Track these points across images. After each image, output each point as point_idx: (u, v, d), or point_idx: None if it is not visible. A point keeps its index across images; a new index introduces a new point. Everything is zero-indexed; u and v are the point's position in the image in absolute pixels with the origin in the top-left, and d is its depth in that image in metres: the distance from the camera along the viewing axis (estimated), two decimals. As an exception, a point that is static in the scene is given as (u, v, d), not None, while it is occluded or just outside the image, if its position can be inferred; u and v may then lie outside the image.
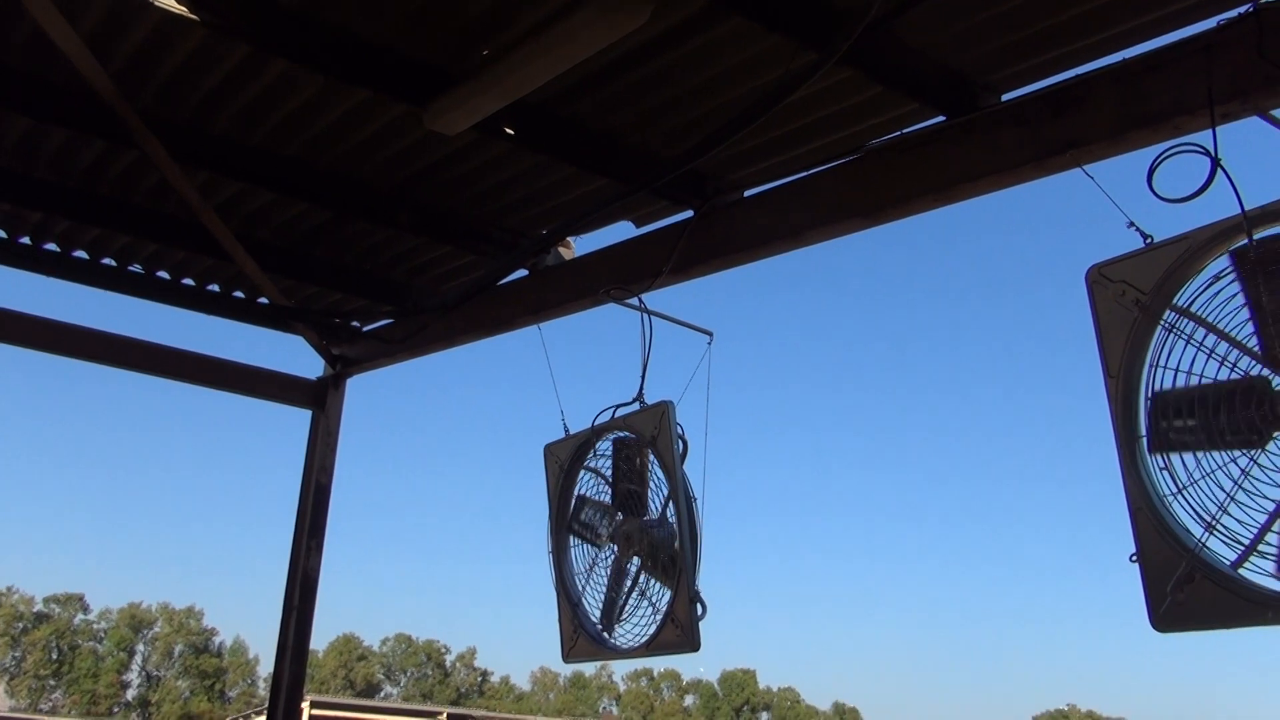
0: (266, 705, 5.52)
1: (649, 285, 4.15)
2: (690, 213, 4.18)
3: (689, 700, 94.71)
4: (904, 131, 3.48)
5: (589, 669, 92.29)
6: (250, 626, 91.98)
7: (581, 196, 4.41)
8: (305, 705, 31.71)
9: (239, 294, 5.58)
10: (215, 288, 5.52)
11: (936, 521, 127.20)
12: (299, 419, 5.84)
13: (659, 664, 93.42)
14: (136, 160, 4.36)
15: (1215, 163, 2.56)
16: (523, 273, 4.94)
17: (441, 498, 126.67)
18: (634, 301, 4.21)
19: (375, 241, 5.03)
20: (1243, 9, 2.66)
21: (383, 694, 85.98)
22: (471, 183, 4.38)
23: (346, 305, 5.71)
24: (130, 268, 5.28)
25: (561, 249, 4.99)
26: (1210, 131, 2.62)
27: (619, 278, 4.30)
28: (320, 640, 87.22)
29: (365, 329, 5.86)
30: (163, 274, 5.37)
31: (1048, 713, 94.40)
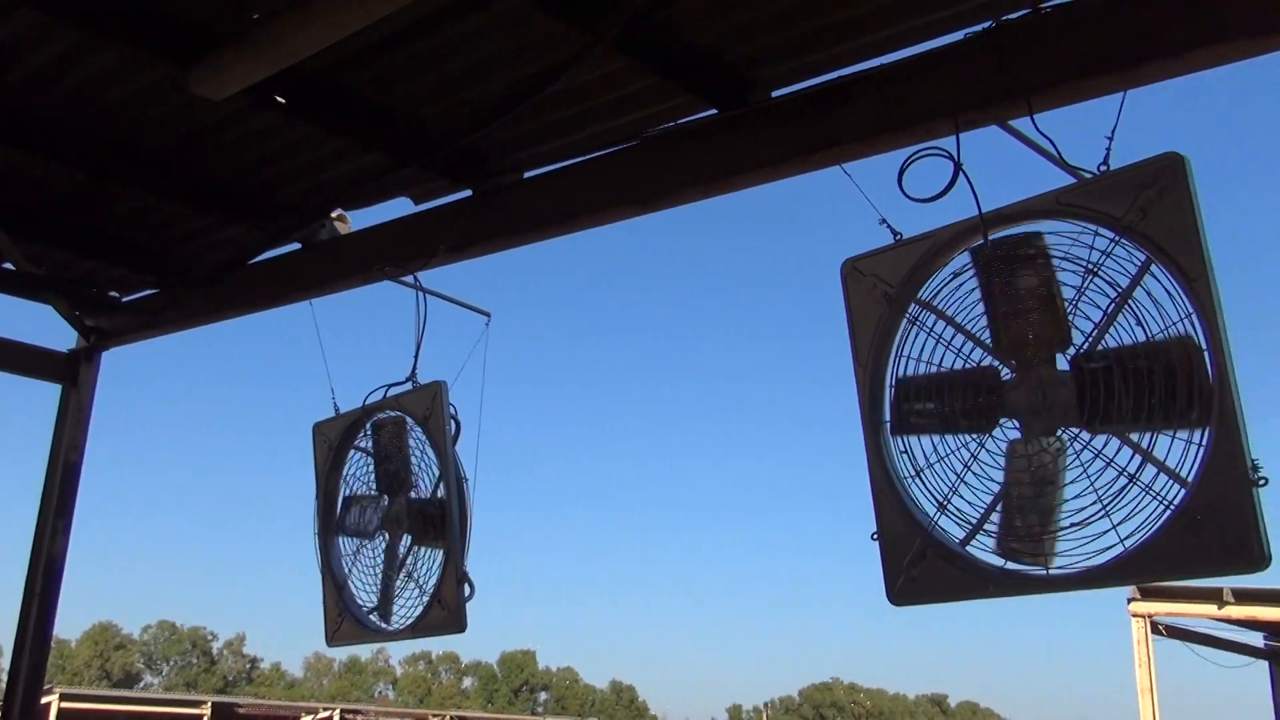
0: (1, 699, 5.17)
1: (425, 264, 4.11)
2: (469, 192, 4.16)
3: (467, 683, 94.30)
4: (677, 122, 3.57)
5: (365, 653, 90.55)
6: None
7: (356, 170, 4.30)
8: (53, 698, 29.78)
9: (-19, 259, 5.17)
10: (-47, 251, 5.10)
11: (710, 505, 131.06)
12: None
13: (437, 647, 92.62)
14: None
15: (958, 167, 2.75)
16: (295, 246, 4.78)
17: (210, 478, 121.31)
18: (409, 279, 4.15)
19: (136, 207, 4.76)
20: (985, 25, 2.85)
21: (143, 684, 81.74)
22: (240, 151, 4.21)
23: (103, 274, 5.38)
24: None
25: (338, 224, 4.86)
26: (955, 138, 2.80)
27: (395, 255, 4.24)
28: (74, 630, 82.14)
29: (125, 299, 5.54)
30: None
31: (814, 685, 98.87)
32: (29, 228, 4.78)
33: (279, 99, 3.66)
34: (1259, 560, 2.18)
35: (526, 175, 4.06)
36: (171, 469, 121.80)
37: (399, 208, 4.46)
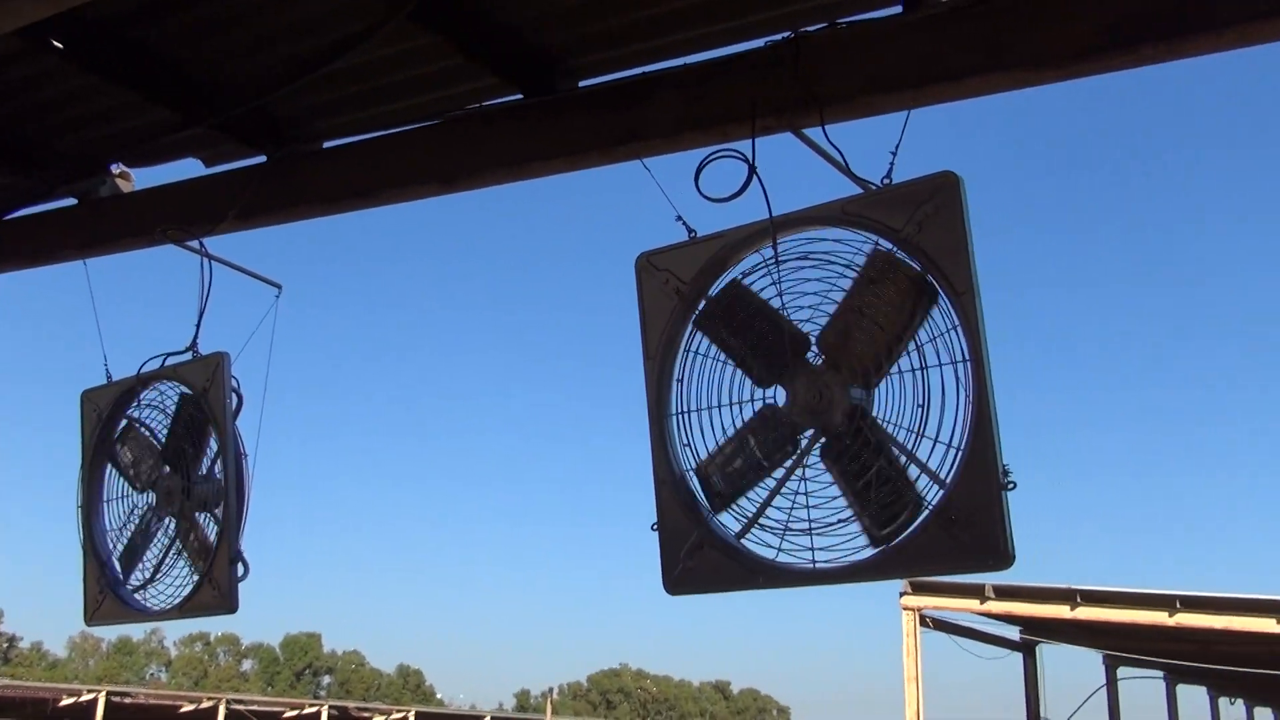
0: None
1: (212, 229, 3.93)
2: (263, 158, 4.00)
3: (247, 665, 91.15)
4: (483, 104, 3.53)
5: (136, 633, 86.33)
6: None
7: (145, 127, 4.08)
8: None
9: None
10: None
11: (503, 488, 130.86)
12: None
13: (216, 628, 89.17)
14: None
15: (752, 170, 2.82)
16: (71, 201, 4.50)
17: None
18: (194, 244, 3.97)
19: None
20: (785, 35, 2.94)
21: (-120, 662, 75.58)
22: (11, 95, 3.92)
23: None
24: None
25: (120, 181, 4.59)
26: (751, 141, 2.87)
27: (180, 218, 4.04)
28: None
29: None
30: None
31: (602, 671, 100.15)
32: None
33: (56, 43, 3.43)
34: (1005, 558, 2.33)
35: (325, 145, 3.94)
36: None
37: (188, 169, 4.26)
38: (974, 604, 15.33)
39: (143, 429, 3.91)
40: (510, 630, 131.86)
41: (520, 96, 3.47)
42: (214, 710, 33.90)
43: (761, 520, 2.68)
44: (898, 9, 2.89)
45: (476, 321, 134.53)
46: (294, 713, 37.82)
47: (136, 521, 3.84)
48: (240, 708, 35.16)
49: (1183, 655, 16.74)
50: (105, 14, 3.34)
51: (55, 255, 4.47)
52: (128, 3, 3.20)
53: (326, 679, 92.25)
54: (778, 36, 2.97)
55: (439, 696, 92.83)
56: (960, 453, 2.39)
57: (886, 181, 2.64)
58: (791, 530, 2.60)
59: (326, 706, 37.68)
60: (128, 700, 33.67)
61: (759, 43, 3.04)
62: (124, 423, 3.99)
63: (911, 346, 2.50)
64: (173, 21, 3.41)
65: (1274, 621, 13.10)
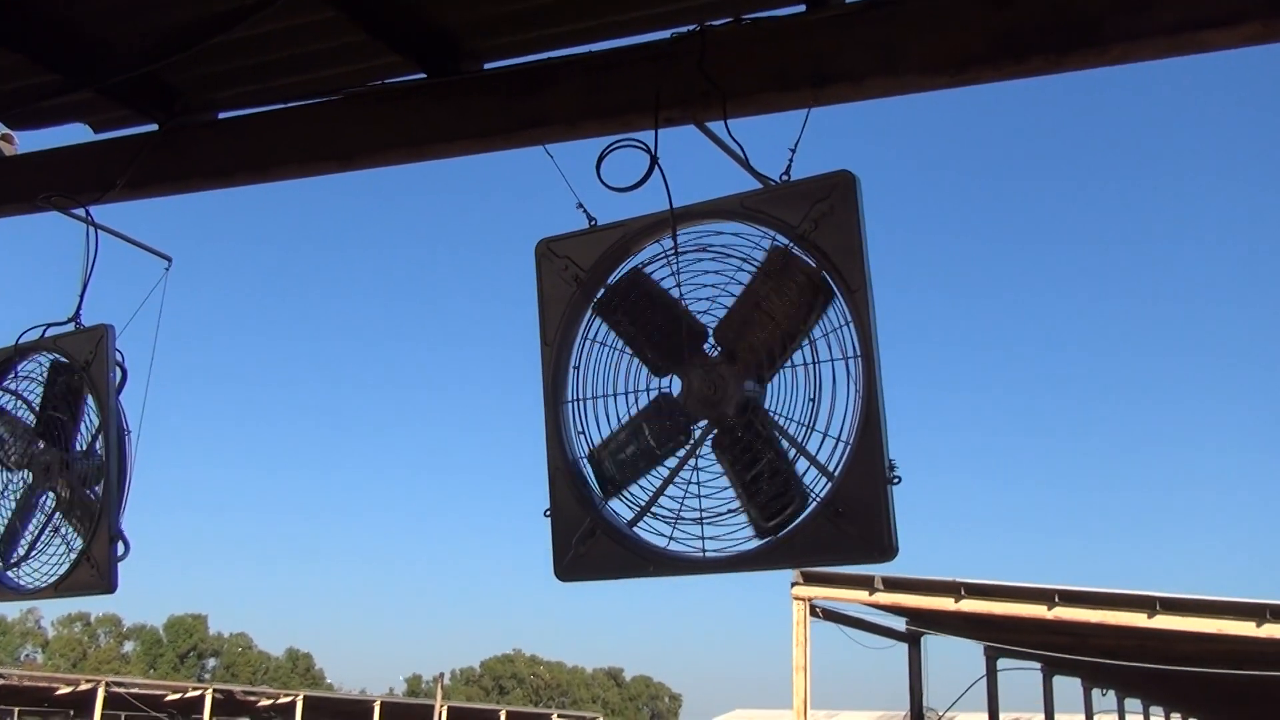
0: None
1: (99, 198, 3.81)
2: (155, 126, 3.88)
3: (128, 647, 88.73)
4: (384, 82, 3.48)
5: (11, 612, 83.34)
6: None
7: (29, 89, 3.92)
8: None
9: None
10: None
11: (393, 471, 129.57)
12: None
13: (97, 608, 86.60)
14: None
15: (654, 161, 2.83)
16: (-53, 163, 4.31)
17: None
18: (80, 213, 3.85)
19: None
20: (690, 28, 2.95)
21: None
22: (-115, 50, 3.74)
23: None
24: None
25: (2, 143, 4.42)
26: (654, 132, 2.88)
27: (66, 184, 3.90)
28: None
29: None
30: None
31: (495, 657, 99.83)
32: None
33: (-64, -2, 3.29)
34: (888, 551, 2.39)
35: (220, 116, 3.84)
36: None
37: (74, 134, 4.11)
38: (863, 595, 15.67)
39: (19, 401, 3.78)
40: (402, 615, 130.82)
41: (423, 76, 3.43)
42: (92, 693, 32.94)
43: (654, 509, 2.70)
44: (801, 8, 2.92)
45: (372, 305, 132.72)
46: (176, 695, 36.98)
47: (10, 497, 3.71)
48: (121, 690, 34.23)
49: (1060, 648, 17.37)
50: (-11, -31, 3.21)
51: (-71, 218, 4.28)
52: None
53: (212, 662, 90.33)
54: (683, 29, 2.99)
55: (329, 681, 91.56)
56: (848, 446, 2.44)
57: (785, 178, 2.67)
58: (683, 519, 2.62)
59: (211, 690, 36.89)
60: (0, 681, 32.53)
61: (665, 34, 3.05)
62: (0, 394, 3.85)
63: (805, 342, 2.54)
64: (62, -20, 3.29)
65: (1144, 616, 13.66)
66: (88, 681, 34.27)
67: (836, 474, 2.45)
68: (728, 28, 2.93)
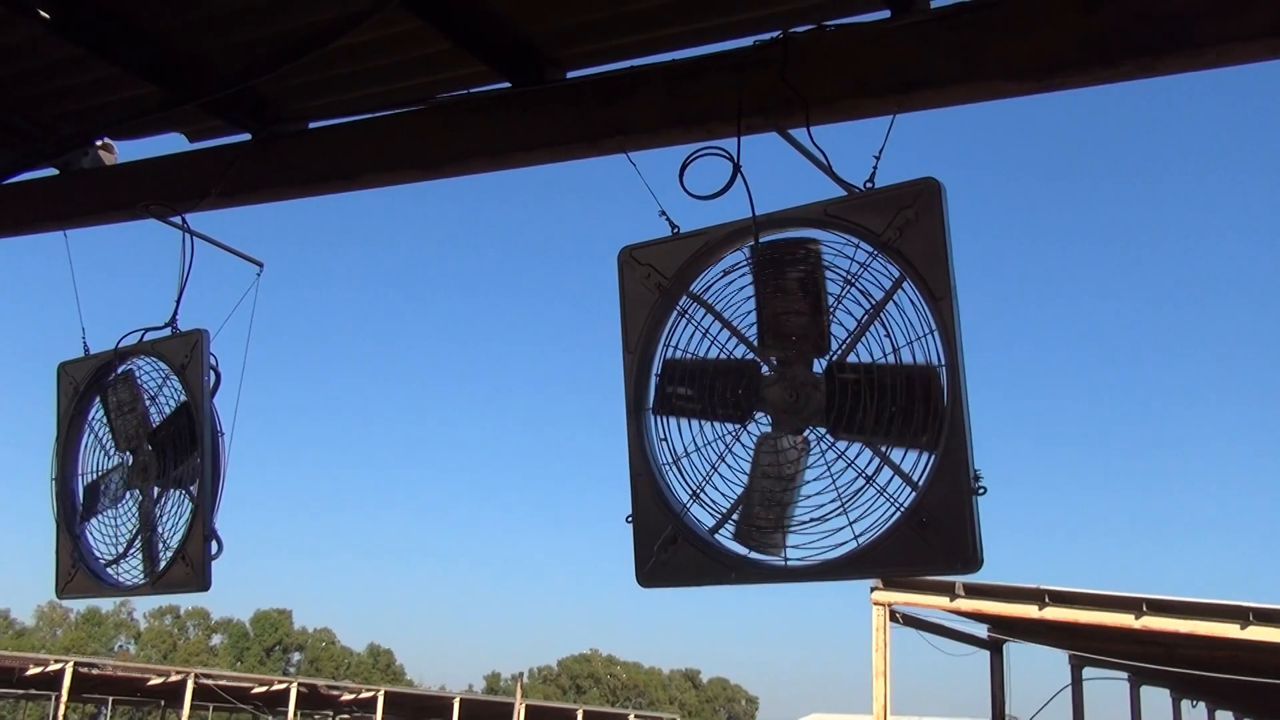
0: None
1: (195, 205, 3.92)
2: (248, 136, 3.99)
3: (216, 640, 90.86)
4: (469, 91, 3.53)
5: (106, 605, 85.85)
6: None
7: (128, 100, 4.05)
8: None
9: None
10: None
11: (477, 470, 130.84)
12: None
13: (186, 602, 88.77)
14: None
15: (736, 168, 2.83)
16: (52, 172, 4.47)
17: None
18: (176, 220, 3.96)
19: None
20: (773, 34, 2.95)
21: None
22: (-6, 64, 3.89)
23: None
24: None
25: (103, 153, 4.57)
26: (736, 140, 2.89)
27: (163, 193, 4.03)
28: None
29: None
30: None
31: (572, 656, 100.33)
32: None
33: (42, 12, 3.41)
34: (973, 562, 2.37)
35: (311, 125, 3.93)
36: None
37: (171, 143, 4.24)
38: (944, 601, 15.45)
39: (119, 404, 3.91)
40: (482, 613, 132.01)
41: (508, 85, 3.47)
42: (182, 684, 33.77)
43: (735, 516, 2.71)
44: (885, 14, 2.90)
45: (457, 308, 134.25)
46: (263, 689, 37.75)
47: (110, 496, 3.84)
48: (209, 682, 35.05)
49: (1147, 658, 16.93)
50: (92, -14, 3.32)
51: (35, 225, 4.44)
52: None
53: (296, 656, 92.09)
54: (766, 36, 2.98)
55: (409, 677, 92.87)
56: (933, 456, 2.42)
57: (869, 185, 2.66)
58: (765, 527, 2.62)
59: (296, 684, 37.60)
60: (95, 671, 33.53)
61: (747, 41, 3.05)
62: (100, 397, 3.98)
63: (889, 349, 2.52)
64: (161, -4, 3.40)
65: (1237, 627, 13.26)
66: (178, 673, 35.15)
67: (921, 484, 2.43)
68: (811, 34, 2.93)
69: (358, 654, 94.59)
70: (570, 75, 3.44)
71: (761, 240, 2.77)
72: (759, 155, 2.94)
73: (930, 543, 2.39)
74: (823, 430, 2.60)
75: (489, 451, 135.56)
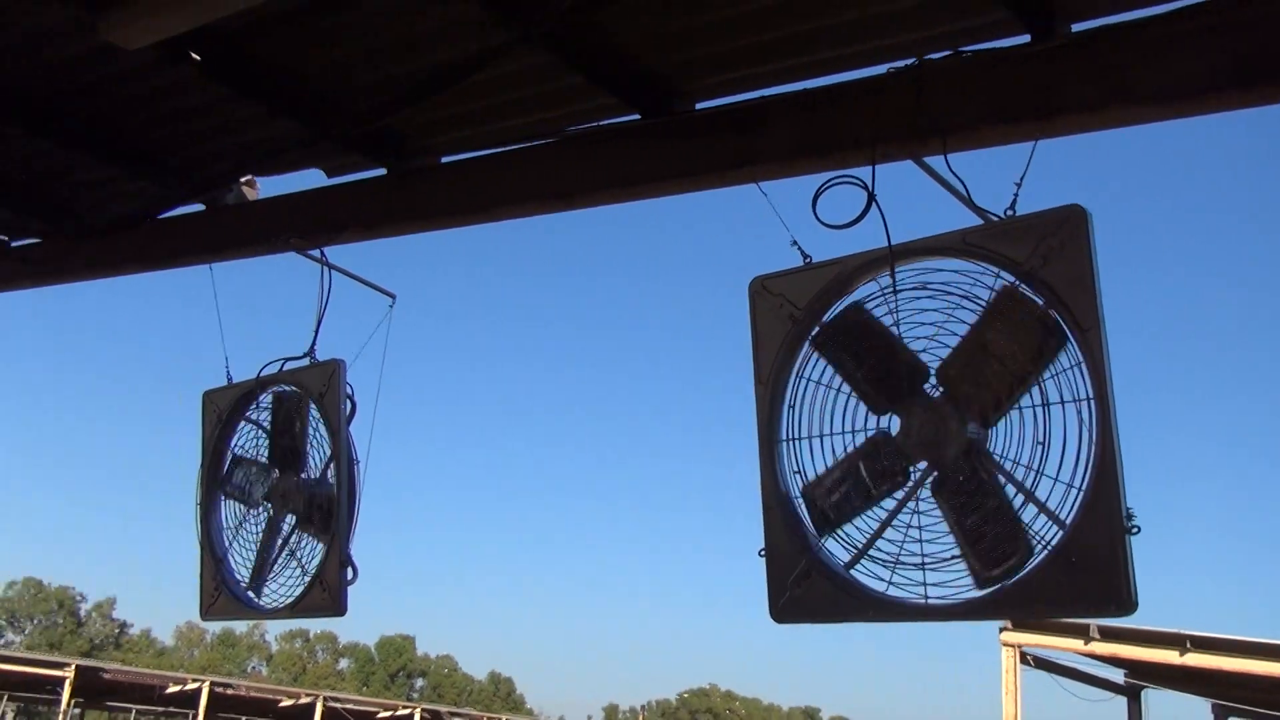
0: None
1: (332, 239, 4.03)
2: (384, 171, 4.09)
3: (344, 664, 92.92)
4: (600, 124, 3.56)
5: (240, 627, 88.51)
6: None
7: (270, 138, 4.20)
8: (-94, 650, 28.58)
9: None
10: None
11: (598, 502, 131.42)
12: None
13: (315, 626, 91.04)
14: None
15: (871, 197, 2.79)
16: (199, 207, 4.66)
17: (89, 435, 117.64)
18: (315, 253, 4.08)
19: (31, 151, 4.58)
20: (909, 61, 2.90)
21: (3, 641, 78.92)
22: (148, 105, 4.08)
23: (-10, 217, 5.17)
24: None
25: (246, 189, 4.74)
26: (870, 168, 2.84)
27: (302, 227, 4.16)
28: (-67, 583, 78.89)
29: (14, 244, 5.34)
30: None
31: (691, 690, 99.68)
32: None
33: (194, 55, 3.56)
34: (1127, 604, 2.26)
35: (444, 160, 4.02)
36: (47, 422, 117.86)
37: (310, 179, 4.37)
38: (1078, 644, 14.87)
39: (261, 431, 4.02)
40: (602, 643, 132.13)
41: (637, 117, 3.49)
42: (311, 707, 34.62)
43: (871, 551, 2.64)
44: (1025, 38, 2.83)
45: (587, 338, 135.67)
46: (388, 714, 38.42)
47: (251, 521, 3.95)
48: (337, 705, 35.84)
49: (1298, 708, 16.01)
50: (236, 26, 3.45)
51: (183, 259, 4.62)
52: (258, 15, 3.30)
53: (419, 682, 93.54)
54: (900, 64, 2.93)
55: (529, 706, 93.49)
56: (1081, 493, 2.32)
57: (1010, 213, 2.59)
58: (903, 564, 2.55)
59: (419, 709, 38.19)
60: (229, 691, 34.61)
61: (880, 69, 3.00)
62: (243, 424, 4.11)
63: (1033, 383, 2.44)
64: (300, 34, 3.51)
65: (1401, 678, 12.47)
66: (307, 695, 36.05)
67: (1069, 522, 2.34)
68: (947, 61, 2.87)
69: (479, 681, 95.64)
70: (700, 106, 3.44)
71: (897, 270, 2.71)
72: (890, 184, 2.89)
73: (1080, 583, 2.29)
74: (964, 465, 2.52)
75: (612, 481, 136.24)
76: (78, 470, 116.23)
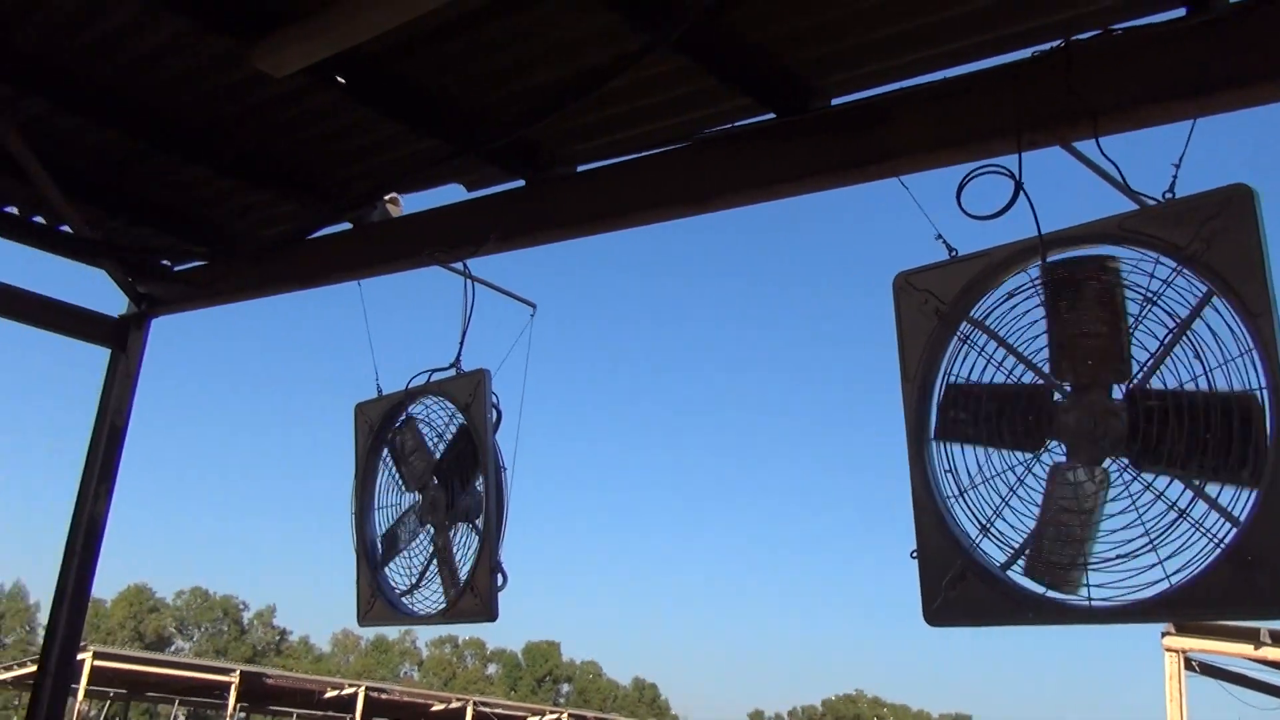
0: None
1: (474, 251, 4.11)
2: (522, 182, 4.16)
3: (491, 669, 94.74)
4: (735, 125, 3.54)
5: (392, 634, 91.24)
6: (31, 571, 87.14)
7: (412, 155, 4.32)
8: (87, 656, 30.26)
9: (39, 220, 5.25)
10: (13, 210, 5.18)
11: (743, 509, 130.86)
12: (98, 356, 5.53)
13: (463, 632, 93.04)
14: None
15: (1018, 186, 2.70)
16: (346, 226, 4.81)
17: (248, 450, 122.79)
18: (458, 266, 4.16)
19: (191, 178, 4.81)
20: (1055, 42, 2.80)
21: (173, 648, 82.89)
22: (297, 128, 4.24)
23: (156, 242, 5.45)
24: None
25: (390, 206, 4.88)
26: (1016, 156, 2.75)
27: (445, 241, 4.24)
28: (109, 590, 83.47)
29: (176, 268, 5.61)
30: (-47, 192, 5.01)
31: (838, 696, 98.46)
32: (88, 193, 4.84)
33: (339, 79, 3.68)
34: (1307, 606, 2.13)
35: (580, 169, 4.06)
36: (211, 439, 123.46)
37: (451, 194, 4.47)
38: (1247, 649, 14.13)
39: (410, 441, 4.12)
40: (745, 649, 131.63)
41: (772, 116, 3.46)
42: (462, 711, 35.38)
43: (1029, 551, 2.55)
44: (1180, 12, 2.70)
45: (728, 340, 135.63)
46: (536, 719, 38.96)
47: (404, 530, 4.04)
48: (486, 710, 36.53)
49: None
50: (378, 49, 3.55)
51: (333, 276, 4.78)
52: (398, 37, 3.38)
53: (565, 687, 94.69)
54: (1045, 46, 2.84)
55: (673, 712, 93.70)
56: (1257, 488, 2.20)
57: (1169, 196, 2.47)
58: (1063, 564, 2.46)
59: (567, 714, 38.64)
60: (384, 696, 35.63)
61: (1024, 53, 2.91)
62: (393, 435, 4.21)
63: (1200, 371, 2.32)
64: (438, 53, 3.59)
65: None
66: (459, 700, 36.84)
67: (1243, 520, 2.21)
68: (1096, 40, 2.76)
69: (623, 687, 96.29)
70: (836, 102, 3.40)
71: (1049, 260, 2.62)
72: (1035, 173, 2.80)
73: (1258, 584, 2.17)
74: (1125, 461, 2.41)
75: (757, 484, 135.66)
76: (239, 483, 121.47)
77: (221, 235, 5.25)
